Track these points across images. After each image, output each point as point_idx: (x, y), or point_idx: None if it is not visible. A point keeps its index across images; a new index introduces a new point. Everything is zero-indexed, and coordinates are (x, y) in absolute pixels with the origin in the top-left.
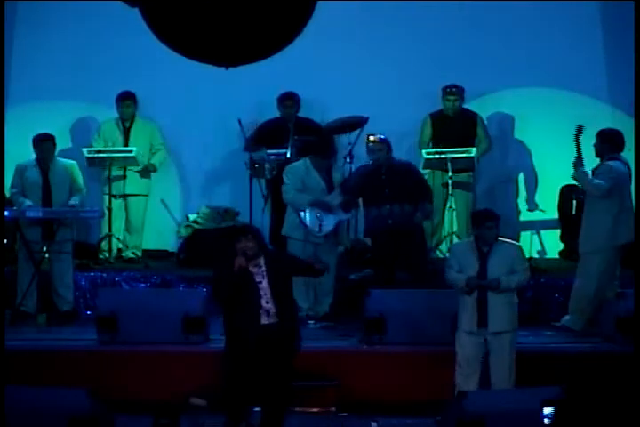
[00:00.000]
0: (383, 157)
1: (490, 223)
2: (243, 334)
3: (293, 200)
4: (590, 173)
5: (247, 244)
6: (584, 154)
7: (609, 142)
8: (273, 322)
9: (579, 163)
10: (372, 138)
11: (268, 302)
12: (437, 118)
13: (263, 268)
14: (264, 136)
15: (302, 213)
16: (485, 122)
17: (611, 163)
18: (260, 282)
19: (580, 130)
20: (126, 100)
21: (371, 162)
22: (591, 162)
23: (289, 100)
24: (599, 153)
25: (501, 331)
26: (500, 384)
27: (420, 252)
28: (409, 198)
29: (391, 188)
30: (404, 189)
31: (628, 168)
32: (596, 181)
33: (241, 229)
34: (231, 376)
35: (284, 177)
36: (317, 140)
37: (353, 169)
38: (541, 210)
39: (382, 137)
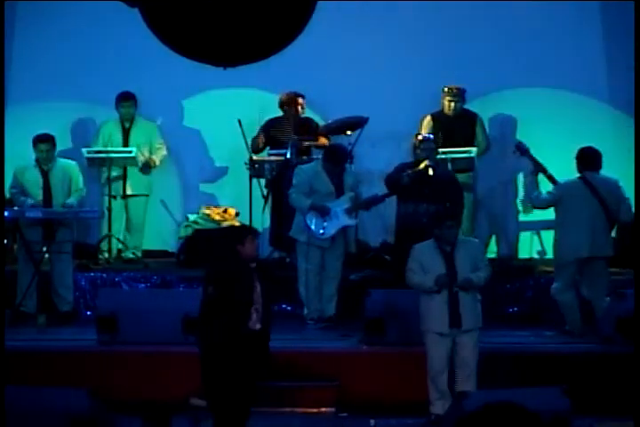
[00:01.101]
0: (434, 156)
1: (450, 222)
2: (229, 338)
3: (295, 203)
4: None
5: (253, 246)
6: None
7: (580, 161)
8: (260, 327)
9: (534, 172)
10: (420, 138)
11: (261, 307)
12: (438, 118)
13: (255, 272)
14: (267, 135)
15: (307, 216)
16: (485, 122)
17: (564, 181)
18: (256, 287)
19: (520, 148)
20: (127, 100)
21: (415, 160)
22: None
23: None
24: (577, 170)
25: (472, 328)
26: (464, 382)
27: None
28: (445, 202)
29: (432, 188)
30: (443, 193)
31: (592, 187)
32: (536, 193)
33: (247, 230)
34: (214, 381)
35: (293, 179)
36: (330, 146)
37: (353, 168)
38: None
39: (431, 136)
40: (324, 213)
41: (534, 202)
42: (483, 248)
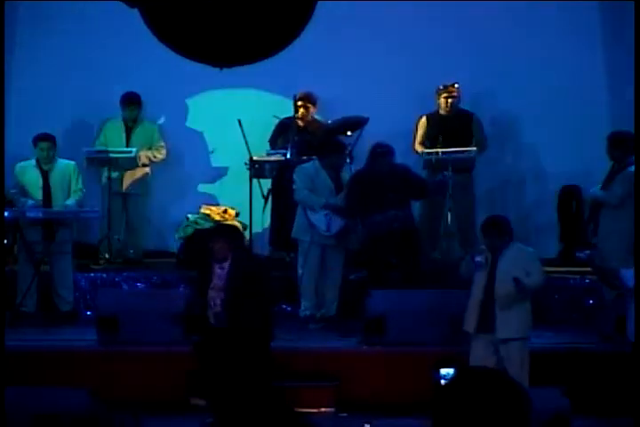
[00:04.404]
0: (390, 163)
1: (487, 234)
2: (198, 331)
3: (306, 200)
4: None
5: (216, 245)
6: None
7: (623, 146)
8: (221, 325)
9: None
10: (379, 151)
11: (220, 306)
12: (433, 118)
13: (226, 270)
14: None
15: (310, 213)
16: (484, 122)
17: (631, 169)
18: (219, 284)
19: None
20: (132, 103)
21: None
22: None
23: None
24: (614, 157)
25: (508, 338)
26: None
27: (415, 252)
28: (409, 200)
29: (395, 192)
30: (405, 192)
31: None
32: (596, 189)
33: (213, 231)
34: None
35: (295, 177)
36: (326, 139)
37: (353, 170)
38: None
39: (385, 146)
40: (338, 212)
41: (609, 199)
42: (532, 255)
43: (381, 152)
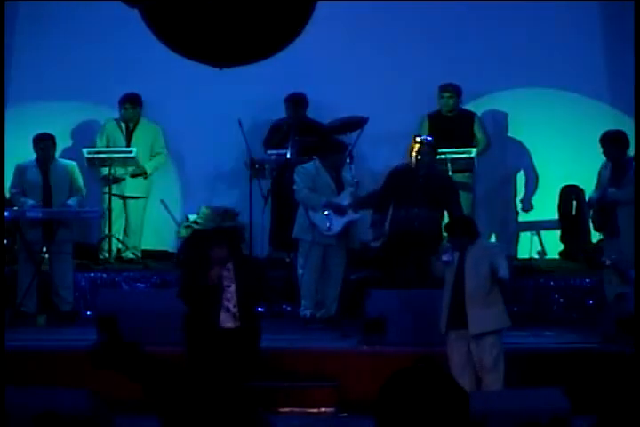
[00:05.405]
0: (429, 161)
1: (452, 235)
2: (204, 335)
3: (306, 200)
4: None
5: (220, 251)
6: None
7: (621, 144)
8: (237, 326)
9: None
10: (419, 140)
11: (235, 306)
12: (435, 119)
13: (232, 271)
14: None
15: (311, 213)
16: (484, 122)
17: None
18: (229, 286)
19: None
20: (127, 103)
21: (409, 163)
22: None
23: (290, 102)
24: (613, 156)
25: (481, 333)
26: (487, 387)
27: (425, 254)
28: (438, 205)
29: (425, 192)
30: (436, 196)
31: None
32: (602, 190)
33: (214, 236)
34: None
35: (296, 177)
36: (326, 139)
37: (353, 170)
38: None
39: (429, 139)
40: (339, 211)
41: (630, 196)
42: (498, 250)
43: (421, 141)
